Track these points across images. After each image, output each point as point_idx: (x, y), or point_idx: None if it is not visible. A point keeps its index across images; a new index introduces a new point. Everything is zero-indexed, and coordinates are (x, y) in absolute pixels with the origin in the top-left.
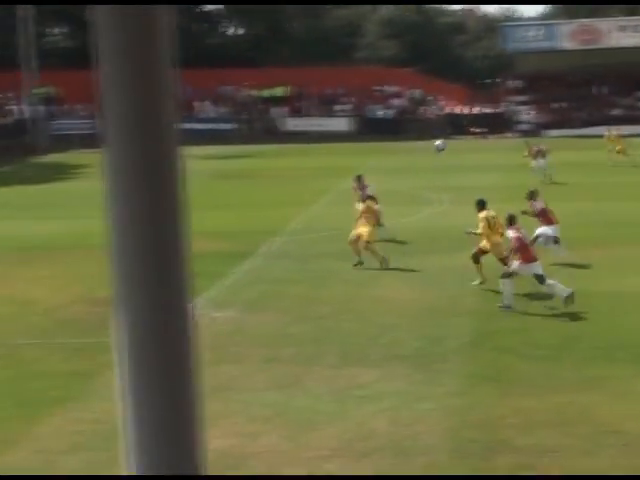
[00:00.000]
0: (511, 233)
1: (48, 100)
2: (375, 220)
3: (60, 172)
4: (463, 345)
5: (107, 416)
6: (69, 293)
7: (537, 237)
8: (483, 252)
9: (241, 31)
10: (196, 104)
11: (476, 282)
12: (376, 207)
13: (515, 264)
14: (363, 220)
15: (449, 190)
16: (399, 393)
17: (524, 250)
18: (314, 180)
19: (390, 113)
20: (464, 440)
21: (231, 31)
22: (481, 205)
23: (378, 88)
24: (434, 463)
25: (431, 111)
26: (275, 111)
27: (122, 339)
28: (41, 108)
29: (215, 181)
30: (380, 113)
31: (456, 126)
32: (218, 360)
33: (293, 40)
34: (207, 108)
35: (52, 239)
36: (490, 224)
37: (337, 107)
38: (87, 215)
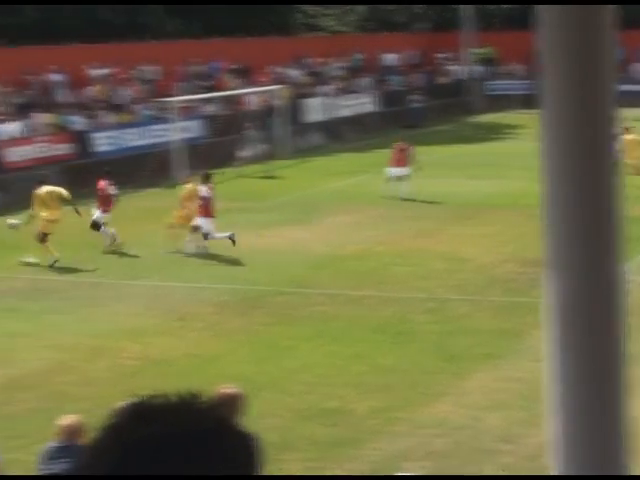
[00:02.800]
0: None
1: (486, 61)
2: None
3: (495, 132)
4: None
5: (531, 376)
6: (501, 252)
7: None
8: None
9: None
10: (631, 66)
11: None
12: None
13: None
14: None
15: None
16: None
17: None
18: None
19: None
20: None
21: None
22: None
23: None
24: None
25: None
26: None
27: (551, 301)
28: (479, 68)
29: None
30: None
31: None
32: None
33: None
34: None
35: (486, 198)
36: None
37: None
38: (522, 176)
